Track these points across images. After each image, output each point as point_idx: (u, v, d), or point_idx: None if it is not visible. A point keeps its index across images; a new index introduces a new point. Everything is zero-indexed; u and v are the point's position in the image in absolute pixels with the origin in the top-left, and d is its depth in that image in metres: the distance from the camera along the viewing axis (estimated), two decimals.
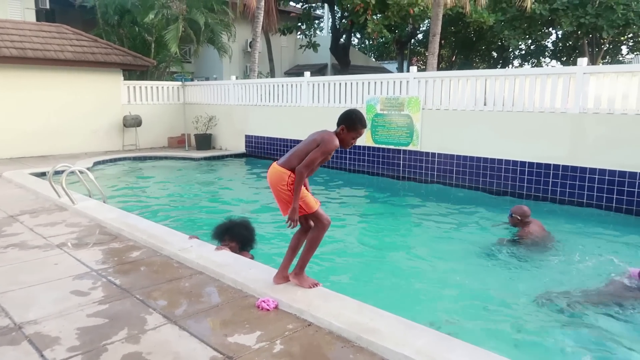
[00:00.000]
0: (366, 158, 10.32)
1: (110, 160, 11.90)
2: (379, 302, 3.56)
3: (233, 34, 18.05)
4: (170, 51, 15.40)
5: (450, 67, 28.49)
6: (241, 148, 13.47)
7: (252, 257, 4.43)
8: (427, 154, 9.25)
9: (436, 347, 2.76)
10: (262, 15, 15.90)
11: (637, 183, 6.87)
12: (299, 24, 23.01)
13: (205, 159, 12.64)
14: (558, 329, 3.67)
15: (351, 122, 3.46)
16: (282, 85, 12.32)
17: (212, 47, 17.99)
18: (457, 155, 8.80)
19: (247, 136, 13.31)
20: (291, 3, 23.68)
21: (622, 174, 6.98)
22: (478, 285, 4.55)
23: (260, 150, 12.91)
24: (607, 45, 24.28)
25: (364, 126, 3.51)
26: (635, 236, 6.01)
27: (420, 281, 4.75)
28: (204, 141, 13.91)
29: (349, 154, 10.66)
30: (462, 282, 4.61)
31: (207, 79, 21.16)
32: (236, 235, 4.61)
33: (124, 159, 12.25)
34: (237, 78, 14.49)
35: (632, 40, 25.74)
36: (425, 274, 4.95)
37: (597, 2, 18.01)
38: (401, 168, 9.70)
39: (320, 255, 5.44)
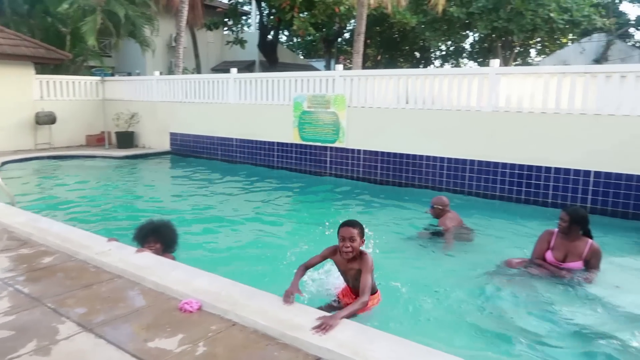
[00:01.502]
0: (293, 155, 10.37)
1: (21, 160, 11.08)
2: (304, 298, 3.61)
3: (156, 27, 17.41)
4: (88, 44, 14.59)
5: (376, 66, 29.25)
6: (166, 146, 13.04)
7: (174, 259, 4.31)
8: (352, 150, 9.47)
9: (358, 339, 2.84)
10: (187, 9, 15.48)
11: (542, 176, 7.44)
12: (226, 19, 22.66)
13: (127, 157, 12.12)
14: (474, 315, 3.91)
15: None
16: (209, 82, 12.06)
17: (134, 41, 17.25)
18: (381, 152, 9.08)
19: (172, 134, 12.91)
20: None
21: (530, 167, 7.54)
22: (404, 277, 4.69)
23: (187, 148, 12.57)
24: (519, 48, 26.02)
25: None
26: (539, 225, 6.49)
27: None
28: (126, 139, 13.32)
29: (276, 151, 10.65)
30: (390, 274, 4.71)
31: (129, 74, 20.23)
32: (162, 236, 4.46)
33: (37, 158, 11.47)
34: (161, 74, 13.98)
35: (539, 44, 27.81)
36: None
37: (509, 7, 19.22)
38: (328, 165, 9.85)
39: (244, 253, 5.42)
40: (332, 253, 3.63)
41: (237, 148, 11.44)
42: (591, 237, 4.51)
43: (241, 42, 22.39)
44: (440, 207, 6.01)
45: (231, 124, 11.51)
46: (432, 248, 5.58)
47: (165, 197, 8.34)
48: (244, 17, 27.58)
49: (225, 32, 25.81)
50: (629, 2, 27.07)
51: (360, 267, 3.47)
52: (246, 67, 24.80)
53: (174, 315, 3.18)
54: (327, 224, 7.01)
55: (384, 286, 4.24)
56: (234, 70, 11.60)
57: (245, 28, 28.26)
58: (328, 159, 9.85)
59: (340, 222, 3.55)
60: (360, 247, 3.50)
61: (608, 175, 6.93)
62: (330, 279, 4.17)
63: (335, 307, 3.64)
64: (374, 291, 3.65)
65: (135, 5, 16.08)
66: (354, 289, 3.63)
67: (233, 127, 11.46)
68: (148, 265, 3.90)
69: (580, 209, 4.61)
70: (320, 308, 3.56)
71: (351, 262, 3.52)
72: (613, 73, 6.99)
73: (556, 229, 4.57)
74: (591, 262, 4.45)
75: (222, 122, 11.68)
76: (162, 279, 3.63)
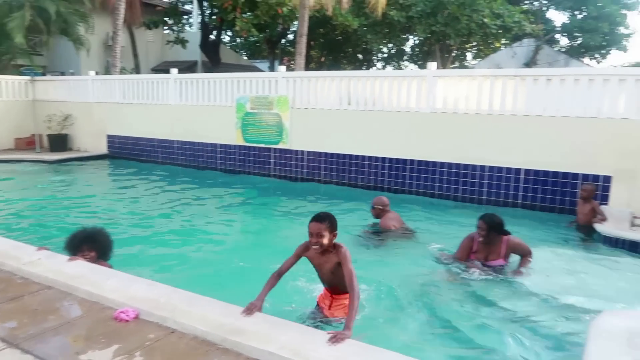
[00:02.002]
0: (237, 157, 10.26)
1: None
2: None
3: (91, 25, 16.66)
4: (15, 41, 13.75)
5: (320, 67, 29.44)
6: (103, 149, 12.52)
7: (110, 267, 4.15)
8: (296, 151, 9.49)
9: (300, 341, 2.84)
10: (124, 6, 14.94)
11: (477, 175, 7.78)
12: (166, 18, 22.02)
13: (60, 161, 11.54)
14: (417, 315, 4.02)
15: None
16: (148, 82, 11.70)
17: (67, 39, 16.43)
18: (324, 153, 9.17)
19: (109, 136, 12.41)
20: None
21: (466, 166, 7.86)
22: None
23: (125, 151, 12.13)
24: (456, 52, 27.03)
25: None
26: (472, 220, 6.77)
27: (292, 277, 4.82)
28: (59, 142, 12.68)
29: (219, 153, 10.49)
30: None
31: (62, 73, 19.24)
32: (97, 244, 4.28)
33: None
34: (97, 73, 13.41)
35: (475, 48, 29.00)
36: (296, 270, 5.05)
37: (446, 12, 19.93)
38: (272, 166, 9.83)
39: (185, 258, 5.31)
40: (305, 249, 3.51)
41: (178, 150, 11.17)
42: (509, 234, 4.74)
43: (182, 42, 21.86)
44: (380, 207, 6.13)
45: (172, 125, 11.23)
46: (373, 247, 5.68)
47: (101, 203, 8.00)
48: (185, 17, 26.96)
49: (166, 32, 25.11)
50: (555, 9, 28.78)
51: (338, 260, 3.38)
52: (188, 67, 24.24)
53: (109, 325, 3.06)
54: (270, 225, 7.01)
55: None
56: (174, 70, 11.33)
57: (187, 27, 27.64)
58: (272, 160, 9.82)
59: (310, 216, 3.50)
60: (335, 240, 3.41)
61: (536, 172, 7.34)
62: (312, 286, 4.10)
63: (316, 315, 3.62)
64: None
65: (67, 2, 15.33)
66: (330, 286, 3.58)
67: (174, 128, 11.18)
68: (81, 274, 3.73)
69: (495, 215, 4.75)
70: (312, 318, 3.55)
71: (325, 255, 3.44)
72: (540, 76, 7.42)
73: (476, 233, 4.77)
74: (517, 252, 4.76)
75: (163, 123, 11.37)
76: (96, 287, 3.48)
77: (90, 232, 4.40)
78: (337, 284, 3.52)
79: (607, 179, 6.88)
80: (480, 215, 4.78)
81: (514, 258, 4.80)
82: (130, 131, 11.98)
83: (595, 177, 6.93)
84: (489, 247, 4.73)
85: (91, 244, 4.25)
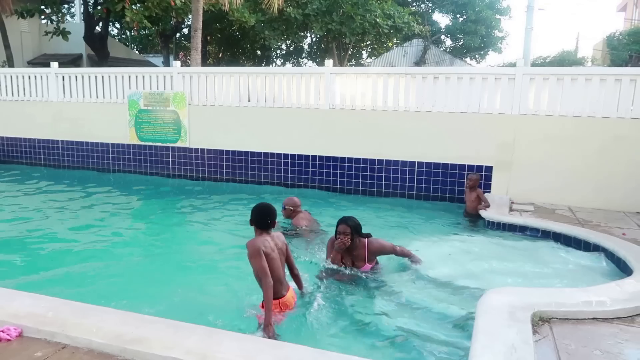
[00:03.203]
0: (131, 157, 9.69)
1: None
2: (152, 307, 3.41)
3: None
4: None
5: (218, 63, 28.77)
6: None
7: None
8: (196, 150, 9.21)
9: (206, 343, 2.78)
10: None
11: (376, 168, 8.11)
12: (42, 6, 20.06)
13: None
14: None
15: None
16: (23, 77, 10.63)
17: None
18: (225, 150, 8.99)
19: None
20: None
21: (365, 160, 8.16)
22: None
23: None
24: (352, 50, 27.91)
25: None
26: (379, 215, 7.08)
27: (195, 281, 4.68)
28: None
29: (111, 153, 9.85)
30: (240, 274, 4.63)
31: None
32: None
33: None
34: None
35: (370, 47, 30.18)
36: (199, 272, 4.92)
37: (341, 11, 20.48)
38: (170, 165, 9.43)
39: (76, 268, 4.91)
40: None
41: (64, 151, 10.29)
42: (369, 236, 4.70)
43: (63, 34, 20.01)
44: (292, 207, 6.12)
45: (55, 124, 10.30)
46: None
47: None
48: (66, 5, 24.83)
49: (44, 21, 22.92)
50: (439, 12, 30.87)
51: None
52: (71, 61, 22.36)
53: None
54: (169, 227, 6.71)
55: (237, 290, 4.19)
56: (54, 64, 10.40)
57: (69, 18, 25.49)
58: (170, 159, 9.42)
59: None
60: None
61: (428, 165, 7.83)
62: None
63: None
64: (278, 296, 3.58)
65: None
66: None
67: (58, 127, 10.27)
68: None
69: (353, 217, 4.64)
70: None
71: None
72: (428, 74, 7.92)
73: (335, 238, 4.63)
74: (383, 254, 4.74)
75: (44, 122, 10.40)
76: None
77: None
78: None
79: (489, 169, 7.54)
80: (338, 220, 4.60)
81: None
82: (4, 131, 10.80)
83: (479, 168, 7.55)
84: (351, 252, 4.61)
85: None
